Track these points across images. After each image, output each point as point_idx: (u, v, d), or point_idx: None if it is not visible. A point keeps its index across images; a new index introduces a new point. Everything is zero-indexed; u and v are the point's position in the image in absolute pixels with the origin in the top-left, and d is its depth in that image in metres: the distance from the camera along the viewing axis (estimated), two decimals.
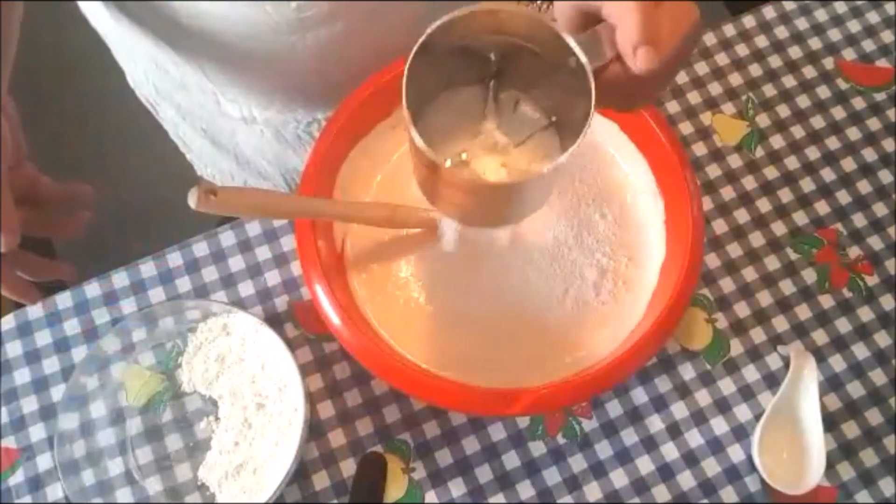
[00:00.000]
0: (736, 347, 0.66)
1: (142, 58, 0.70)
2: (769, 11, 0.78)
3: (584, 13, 0.42)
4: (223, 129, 0.74)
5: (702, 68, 0.75)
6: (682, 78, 0.75)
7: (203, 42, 0.60)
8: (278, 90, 0.67)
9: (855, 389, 0.65)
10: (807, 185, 0.71)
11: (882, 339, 0.66)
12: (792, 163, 0.72)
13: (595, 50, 0.41)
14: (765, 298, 0.67)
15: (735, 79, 0.75)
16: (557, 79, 0.44)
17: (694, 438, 0.63)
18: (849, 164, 0.72)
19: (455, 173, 0.46)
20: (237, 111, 0.70)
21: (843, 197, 0.71)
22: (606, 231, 0.62)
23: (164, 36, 0.62)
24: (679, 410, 0.64)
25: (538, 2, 0.47)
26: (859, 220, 0.70)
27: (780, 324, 0.66)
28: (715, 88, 0.74)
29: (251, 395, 0.62)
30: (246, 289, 0.67)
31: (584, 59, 0.41)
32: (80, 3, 0.68)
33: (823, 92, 0.75)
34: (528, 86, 0.49)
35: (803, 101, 0.74)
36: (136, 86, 0.79)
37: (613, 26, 0.40)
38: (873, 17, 0.78)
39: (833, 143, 0.73)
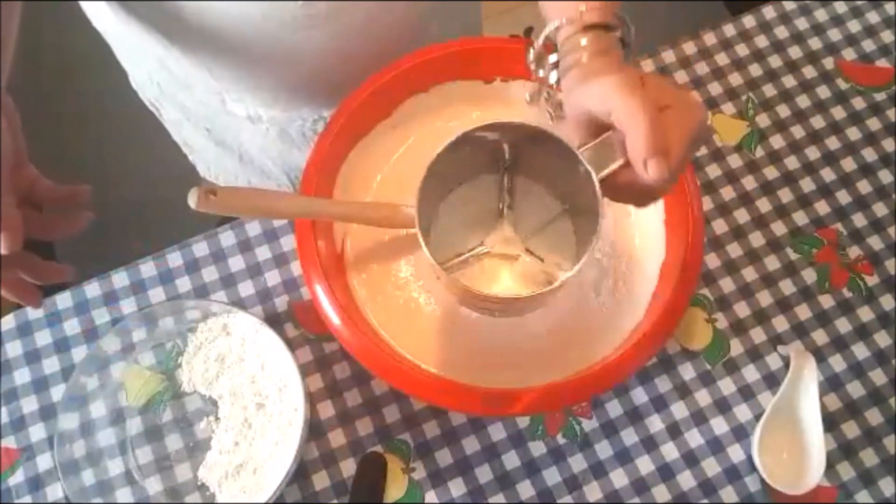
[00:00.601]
0: (736, 347, 0.66)
1: (146, 58, 0.70)
2: (769, 11, 0.78)
3: (594, 119, 0.44)
4: (228, 128, 0.75)
5: (702, 68, 0.75)
6: (682, 78, 0.75)
7: (209, 40, 0.60)
8: (284, 88, 0.68)
9: (855, 389, 0.65)
10: (807, 185, 0.71)
11: (882, 339, 0.66)
12: (792, 163, 0.72)
13: (606, 156, 0.43)
14: (765, 298, 0.67)
15: (735, 79, 0.75)
16: (570, 173, 0.47)
17: (694, 438, 0.63)
18: (849, 164, 0.72)
19: (455, 282, 0.49)
20: (242, 110, 0.70)
21: (843, 197, 0.71)
22: (607, 230, 0.62)
23: (170, 35, 0.62)
24: (679, 410, 0.64)
25: (545, 87, 0.50)
26: (859, 220, 0.70)
27: (780, 324, 0.66)
28: (715, 88, 0.74)
29: (251, 395, 0.62)
30: (246, 289, 0.67)
31: (594, 174, 0.44)
32: (83, 4, 0.68)
33: (823, 92, 0.75)
34: (542, 174, 0.52)
35: (803, 101, 0.74)
36: (138, 87, 0.79)
37: (621, 133, 0.42)
38: (873, 17, 0.78)
39: (833, 143, 0.73)
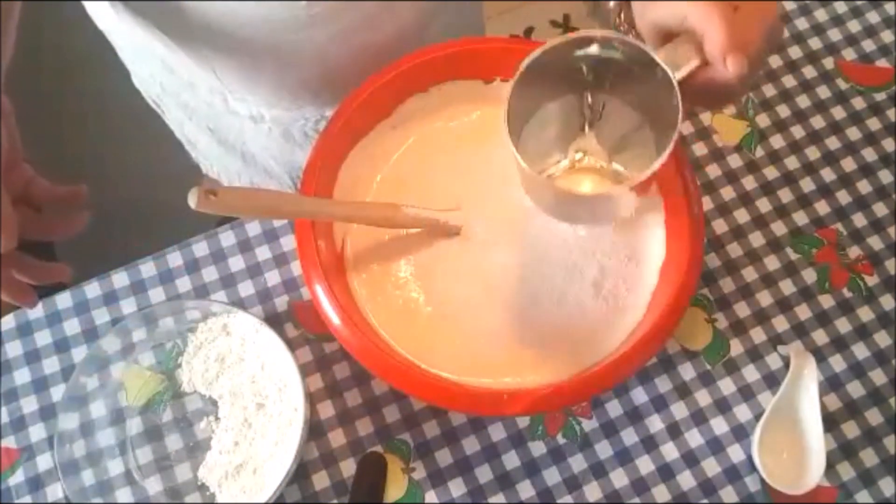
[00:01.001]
0: (736, 347, 0.66)
1: (149, 57, 0.70)
2: None
3: (665, 27, 0.45)
4: (230, 127, 0.75)
5: None
6: None
7: (212, 40, 0.60)
8: (287, 87, 0.68)
9: (855, 389, 0.65)
10: (807, 185, 0.71)
11: (882, 339, 0.66)
12: (792, 163, 0.72)
13: (682, 58, 0.44)
14: (765, 298, 0.67)
15: None
16: (647, 85, 0.47)
17: (694, 438, 0.63)
18: (849, 164, 0.72)
19: (551, 184, 0.50)
20: (245, 109, 0.71)
21: (843, 197, 0.71)
22: (606, 231, 0.62)
23: (173, 34, 0.62)
24: (679, 410, 0.64)
25: (615, 2, 0.50)
26: (859, 220, 0.70)
27: (780, 324, 0.66)
28: None
29: (251, 395, 0.62)
30: (246, 289, 0.67)
31: (671, 73, 0.44)
32: (86, 4, 0.68)
33: (823, 92, 0.75)
34: (620, 91, 0.51)
35: (803, 101, 0.74)
36: (141, 86, 0.79)
37: (697, 35, 0.42)
38: (873, 17, 0.78)
39: (833, 143, 0.73)
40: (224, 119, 0.73)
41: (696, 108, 0.45)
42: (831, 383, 0.65)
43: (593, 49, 0.48)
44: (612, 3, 0.50)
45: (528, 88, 0.48)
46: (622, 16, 0.50)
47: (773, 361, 0.65)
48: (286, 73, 0.66)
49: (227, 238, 0.68)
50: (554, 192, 0.51)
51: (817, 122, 0.73)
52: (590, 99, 0.53)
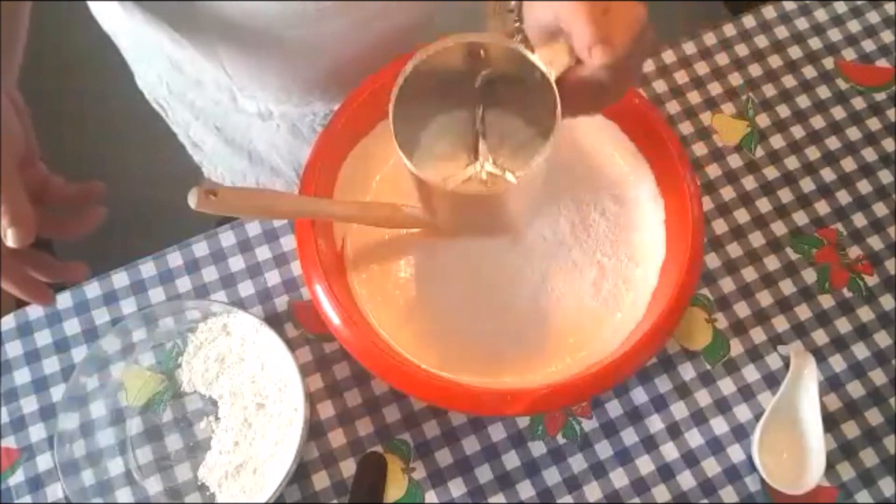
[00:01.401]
0: (736, 347, 0.66)
1: (156, 56, 0.70)
2: (769, 11, 0.78)
3: (546, 28, 0.46)
4: (238, 126, 0.75)
5: (702, 68, 0.75)
6: (682, 78, 0.75)
7: (221, 36, 0.61)
8: (297, 82, 0.68)
9: (855, 389, 0.65)
10: (807, 185, 0.71)
11: (882, 339, 0.66)
12: (792, 163, 0.72)
13: (556, 60, 0.45)
14: (765, 298, 0.67)
15: (735, 79, 0.75)
16: (531, 89, 0.48)
17: (694, 438, 0.63)
18: (849, 164, 0.72)
19: (443, 188, 0.51)
20: (254, 106, 0.71)
21: (843, 197, 0.71)
22: (606, 231, 0.62)
23: (183, 30, 0.62)
24: (679, 410, 0.64)
25: (513, 2, 0.51)
26: (859, 220, 0.70)
27: (780, 324, 0.66)
28: (715, 88, 0.74)
29: (251, 395, 0.62)
30: (246, 289, 0.67)
31: (543, 67, 0.45)
32: (91, 5, 0.68)
33: (823, 92, 0.75)
34: (507, 97, 0.52)
35: (803, 101, 0.74)
36: (146, 88, 0.79)
37: (568, 33, 0.44)
38: (873, 17, 0.78)
39: (833, 143, 0.73)
40: (231, 117, 0.73)
41: (577, 112, 0.46)
42: (831, 383, 0.65)
43: (477, 54, 0.49)
44: (511, 3, 0.51)
45: (416, 95, 0.49)
46: (519, 17, 0.51)
47: (773, 361, 0.65)
48: (296, 67, 0.66)
49: (227, 238, 0.68)
50: (450, 198, 0.52)
51: (817, 122, 0.73)
52: (480, 110, 0.54)
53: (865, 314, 0.67)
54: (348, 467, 0.62)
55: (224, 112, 0.73)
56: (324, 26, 0.60)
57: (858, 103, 0.74)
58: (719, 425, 0.63)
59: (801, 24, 0.77)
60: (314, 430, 0.63)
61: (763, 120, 0.73)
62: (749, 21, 0.77)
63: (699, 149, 0.72)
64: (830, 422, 0.64)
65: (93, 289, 0.67)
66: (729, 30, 0.77)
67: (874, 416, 0.64)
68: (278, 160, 0.79)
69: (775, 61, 0.76)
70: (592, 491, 0.61)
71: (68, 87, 1.57)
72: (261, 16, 0.57)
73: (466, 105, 0.54)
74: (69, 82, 1.58)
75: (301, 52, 0.63)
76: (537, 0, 0.46)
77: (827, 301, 0.67)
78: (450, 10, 0.70)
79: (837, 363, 0.65)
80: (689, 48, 0.76)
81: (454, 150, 0.55)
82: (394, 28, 0.64)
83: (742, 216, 0.70)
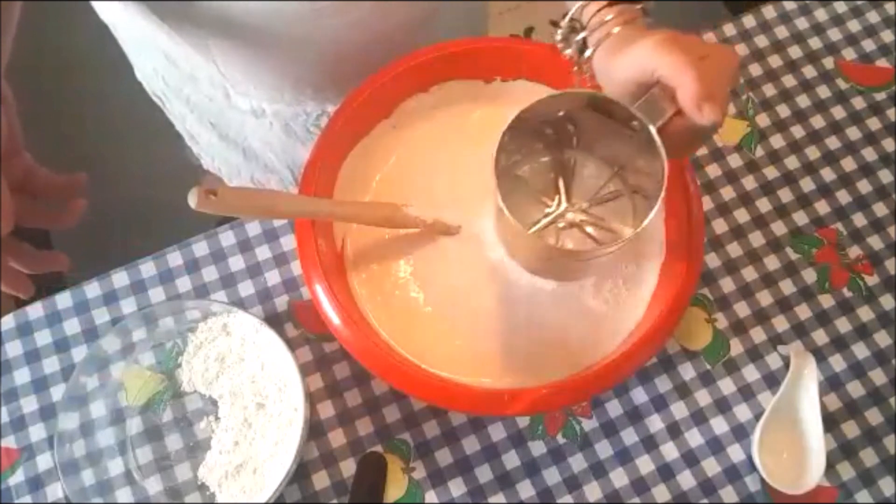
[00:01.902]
0: (736, 347, 0.66)
1: (151, 50, 0.70)
2: (769, 11, 0.78)
3: (639, 83, 0.47)
4: (232, 121, 0.75)
5: None
6: None
7: (215, 33, 0.61)
8: (289, 82, 0.68)
9: (855, 389, 0.65)
10: (807, 184, 0.71)
11: (882, 339, 0.66)
12: (792, 163, 0.72)
13: (656, 110, 0.47)
14: (765, 298, 0.67)
15: None
16: (621, 138, 0.50)
17: (694, 438, 0.63)
18: (849, 164, 0.72)
19: (534, 239, 0.52)
20: (247, 104, 0.71)
21: (843, 197, 0.71)
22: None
23: (177, 27, 0.62)
24: (679, 410, 0.64)
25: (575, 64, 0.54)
26: (859, 220, 0.70)
27: (780, 324, 0.66)
28: None
29: (251, 394, 0.62)
30: (246, 289, 0.67)
31: (651, 126, 0.46)
32: None
33: (823, 92, 0.75)
34: (598, 147, 0.55)
35: (803, 101, 0.74)
36: (145, 80, 0.79)
37: (670, 87, 0.45)
38: (873, 17, 0.78)
39: (833, 142, 0.73)
40: (225, 113, 0.73)
41: (672, 157, 0.47)
42: (831, 383, 0.65)
43: (573, 106, 0.50)
44: (577, 57, 0.53)
45: (511, 143, 0.50)
46: (588, 70, 0.52)
47: (773, 361, 0.65)
48: (288, 66, 0.66)
49: (227, 238, 0.68)
50: (544, 249, 0.53)
51: (817, 121, 0.73)
52: (567, 156, 0.55)
53: (865, 314, 0.67)
54: (348, 467, 0.62)
55: (218, 108, 0.73)
56: (319, 26, 0.60)
57: (858, 103, 0.74)
58: (719, 425, 0.63)
59: (801, 23, 0.77)
60: (314, 430, 0.63)
61: (763, 120, 0.73)
62: (749, 21, 0.77)
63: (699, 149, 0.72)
64: (830, 422, 0.64)
65: (93, 289, 0.67)
66: (729, 30, 0.77)
67: (874, 416, 0.64)
68: (272, 157, 0.79)
69: (775, 61, 0.76)
70: (592, 491, 0.61)
71: (68, 87, 1.57)
72: (254, 14, 0.57)
73: (551, 150, 0.55)
74: (69, 81, 1.58)
75: (294, 52, 0.63)
76: (626, 55, 0.47)
77: (827, 301, 0.67)
78: (452, 10, 0.70)
79: (837, 363, 0.65)
80: None
81: (538, 194, 0.57)
82: (390, 28, 0.64)
83: (742, 216, 0.70)
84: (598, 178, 0.56)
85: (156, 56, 0.70)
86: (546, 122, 0.53)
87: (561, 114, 0.52)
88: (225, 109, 0.73)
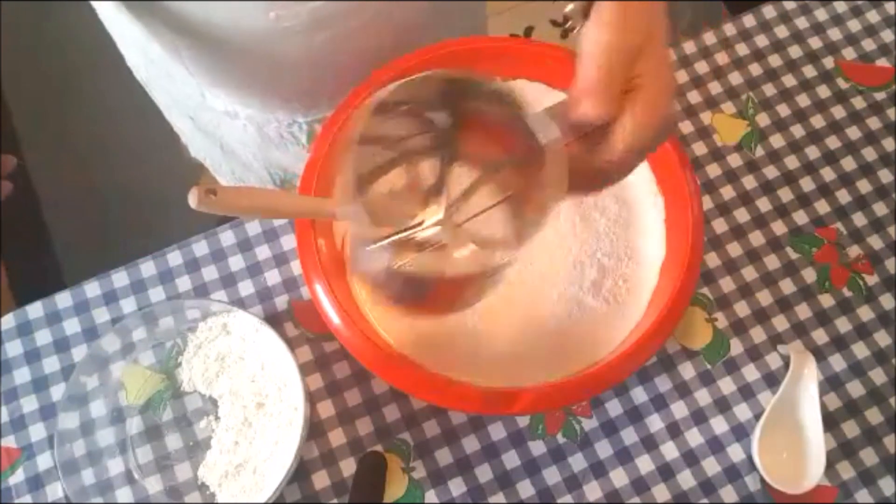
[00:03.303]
0: (736, 347, 0.66)
1: (133, 45, 0.70)
2: (769, 11, 0.78)
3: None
4: (209, 119, 0.75)
5: (702, 67, 0.75)
6: (682, 77, 0.75)
7: (183, 36, 0.60)
8: (256, 92, 0.68)
9: (855, 389, 0.65)
10: (807, 184, 0.71)
11: (882, 338, 0.66)
12: (792, 162, 0.72)
13: (553, 125, 0.39)
14: (765, 298, 0.67)
15: (735, 78, 0.75)
16: (514, 149, 0.42)
17: (694, 438, 0.63)
18: (849, 164, 0.72)
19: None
20: (220, 105, 0.70)
21: (843, 196, 0.71)
22: (606, 230, 0.62)
23: (148, 25, 0.62)
24: (679, 410, 0.64)
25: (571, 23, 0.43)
26: (859, 219, 0.70)
27: (780, 323, 0.66)
28: (715, 88, 0.74)
29: (251, 394, 0.62)
30: (246, 288, 0.67)
31: (542, 137, 0.38)
32: None
33: (823, 91, 0.75)
34: (484, 157, 0.46)
35: (803, 101, 0.74)
36: (133, 69, 0.79)
37: (570, 107, 0.38)
38: (873, 17, 0.78)
39: (833, 142, 0.73)
40: (202, 112, 0.73)
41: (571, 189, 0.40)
42: (831, 383, 0.65)
43: (457, 100, 0.42)
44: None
45: (382, 134, 0.42)
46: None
47: (773, 361, 0.65)
48: (256, 77, 0.65)
49: (227, 238, 0.68)
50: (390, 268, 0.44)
51: (817, 121, 0.73)
52: (446, 160, 0.46)
53: (865, 313, 0.67)
54: (348, 467, 0.62)
55: (196, 104, 0.72)
56: (286, 42, 0.59)
57: (858, 103, 0.74)
58: (719, 425, 0.63)
59: (801, 23, 0.77)
60: (314, 429, 0.63)
61: (763, 119, 0.73)
62: (749, 21, 0.77)
63: (699, 148, 0.72)
64: (830, 421, 0.64)
65: (93, 288, 0.67)
66: (729, 29, 0.77)
67: (874, 416, 0.64)
68: (249, 156, 0.79)
69: (775, 61, 0.76)
70: (592, 490, 0.61)
71: (70, 87, 1.57)
72: (216, 25, 0.57)
73: (434, 149, 0.46)
74: (71, 82, 1.58)
75: (260, 65, 0.63)
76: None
77: (827, 300, 0.67)
78: (452, 10, 0.70)
79: (837, 362, 0.65)
80: (689, 48, 0.76)
81: (411, 201, 0.47)
82: (360, 51, 0.63)
83: (742, 215, 0.70)
84: (483, 195, 0.46)
85: (137, 50, 0.70)
86: (424, 109, 0.43)
87: (441, 100, 0.42)
88: (201, 108, 0.72)
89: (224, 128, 0.75)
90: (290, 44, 0.59)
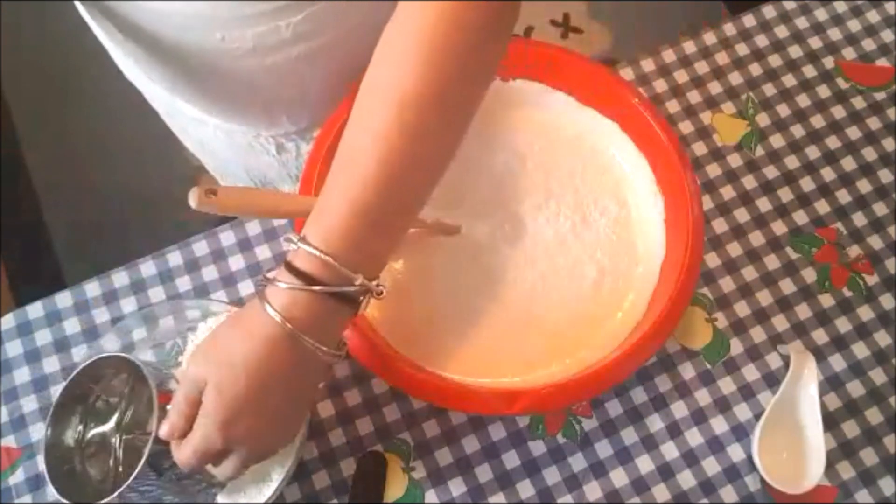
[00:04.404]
0: (736, 347, 0.66)
1: (105, 40, 0.69)
2: (769, 11, 0.78)
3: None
4: (185, 123, 0.75)
5: (702, 68, 0.75)
6: (682, 77, 0.75)
7: (138, 44, 0.60)
8: (215, 106, 0.68)
9: (855, 389, 0.65)
10: (807, 184, 0.71)
11: (882, 338, 0.66)
12: (792, 162, 0.72)
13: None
14: (765, 298, 0.67)
15: (735, 78, 0.75)
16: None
17: (694, 438, 0.63)
18: (849, 164, 0.72)
19: None
20: (189, 110, 0.70)
21: (843, 196, 0.71)
22: (607, 230, 0.63)
23: (106, 31, 0.61)
24: (679, 410, 0.64)
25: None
26: (859, 219, 0.70)
27: (780, 323, 0.66)
28: (715, 88, 0.74)
29: None
30: (246, 288, 0.67)
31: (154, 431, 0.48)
32: None
33: (823, 91, 0.75)
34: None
35: (803, 101, 0.74)
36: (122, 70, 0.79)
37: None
38: (873, 17, 0.78)
39: (833, 142, 0.73)
40: (175, 115, 0.73)
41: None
42: (831, 383, 0.65)
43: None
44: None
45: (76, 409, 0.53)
46: None
47: (773, 361, 0.65)
48: (210, 92, 0.65)
49: (227, 237, 0.68)
50: None
51: (817, 121, 0.73)
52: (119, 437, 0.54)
53: (865, 313, 0.67)
54: (348, 466, 0.62)
55: (167, 104, 0.72)
56: (236, 66, 0.59)
57: (858, 103, 0.74)
58: (719, 425, 0.63)
59: (801, 23, 0.77)
60: (314, 429, 0.63)
61: (763, 119, 0.73)
62: (749, 21, 0.77)
63: (699, 148, 0.72)
64: (830, 421, 0.64)
65: (93, 288, 0.67)
66: (729, 29, 0.77)
67: (874, 416, 0.64)
68: (224, 158, 0.79)
69: (775, 61, 0.76)
70: (592, 490, 0.61)
71: (70, 87, 1.57)
72: (170, 39, 0.57)
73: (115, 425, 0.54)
74: (72, 82, 1.58)
75: (214, 82, 0.63)
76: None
77: (827, 300, 0.67)
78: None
79: (837, 362, 0.65)
80: (689, 48, 0.76)
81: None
82: (322, 72, 0.62)
83: (742, 215, 0.70)
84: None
85: (112, 44, 0.70)
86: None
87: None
88: (171, 109, 0.72)
89: (199, 131, 0.75)
90: (241, 65, 0.59)
